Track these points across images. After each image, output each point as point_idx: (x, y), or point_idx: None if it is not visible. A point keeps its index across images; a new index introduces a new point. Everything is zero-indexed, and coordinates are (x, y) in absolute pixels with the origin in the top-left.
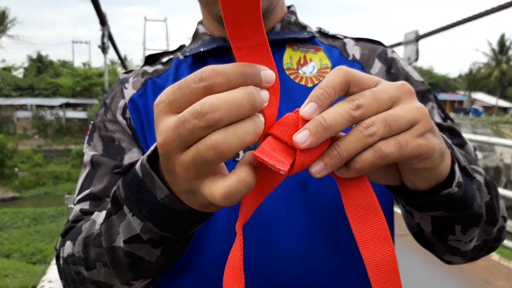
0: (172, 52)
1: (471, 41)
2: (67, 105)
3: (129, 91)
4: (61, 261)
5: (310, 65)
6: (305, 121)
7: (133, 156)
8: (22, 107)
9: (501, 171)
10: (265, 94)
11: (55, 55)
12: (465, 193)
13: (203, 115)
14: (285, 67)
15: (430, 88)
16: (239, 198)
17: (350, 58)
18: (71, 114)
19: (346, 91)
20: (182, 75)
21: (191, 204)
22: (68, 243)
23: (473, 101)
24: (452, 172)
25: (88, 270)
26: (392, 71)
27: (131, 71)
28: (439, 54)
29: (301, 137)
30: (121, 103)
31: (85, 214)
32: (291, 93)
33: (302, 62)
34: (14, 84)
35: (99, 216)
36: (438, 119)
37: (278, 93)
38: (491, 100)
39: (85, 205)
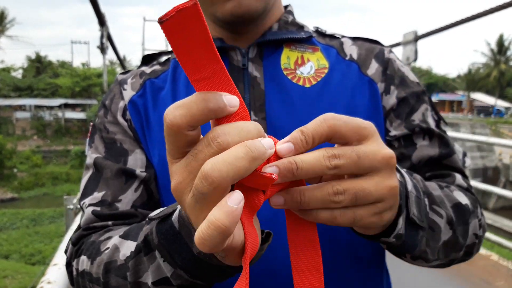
0: (170, 52)
1: (470, 42)
2: (66, 106)
3: (128, 92)
4: (75, 272)
5: (308, 65)
6: (278, 156)
7: (137, 157)
8: (21, 108)
9: (500, 171)
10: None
11: (54, 55)
12: (404, 242)
13: (214, 140)
14: (282, 67)
15: (426, 90)
16: (216, 244)
17: (347, 57)
18: (70, 114)
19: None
20: (180, 75)
21: (223, 259)
22: (85, 259)
23: (471, 101)
24: (395, 223)
25: None
26: (388, 72)
27: (129, 72)
28: (438, 54)
29: (270, 171)
30: (121, 104)
31: (98, 217)
32: (288, 94)
33: (299, 62)
34: (13, 85)
35: (124, 245)
36: (431, 121)
37: (248, 119)
38: (490, 100)
39: (97, 208)
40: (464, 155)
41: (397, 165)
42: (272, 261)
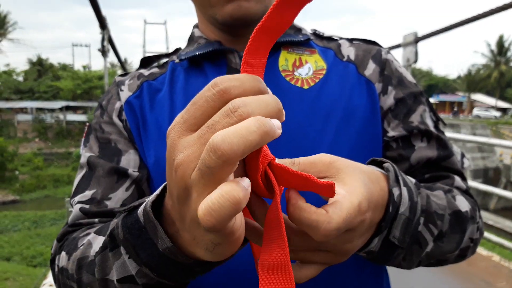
0: (168, 55)
1: (470, 43)
2: (68, 108)
3: (125, 93)
4: (56, 269)
5: (306, 67)
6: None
7: (130, 157)
8: (23, 110)
9: (500, 172)
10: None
11: (55, 58)
12: (374, 258)
13: (234, 111)
14: (280, 69)
15: (423, 91)
16: (224, 217)
17: (345, 59)
18: (72, 117)
19: None
20: (178, 77)
21: (195, 251)
22: (64, 255)
23: (472, 102)
24: (370, 241)
25: None
26: (386, 72)
27: (127, 74)
28: (438, 56)
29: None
30: (117, 105)
31: (85, 214)
32: (286, 95)
33: (297, 64)
34: (14, 87)
35: (96, 241)
36: (429, 122)
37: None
38: (490, 101)
39: (86, 206)
40: (463, 156)
41: (401, 178)
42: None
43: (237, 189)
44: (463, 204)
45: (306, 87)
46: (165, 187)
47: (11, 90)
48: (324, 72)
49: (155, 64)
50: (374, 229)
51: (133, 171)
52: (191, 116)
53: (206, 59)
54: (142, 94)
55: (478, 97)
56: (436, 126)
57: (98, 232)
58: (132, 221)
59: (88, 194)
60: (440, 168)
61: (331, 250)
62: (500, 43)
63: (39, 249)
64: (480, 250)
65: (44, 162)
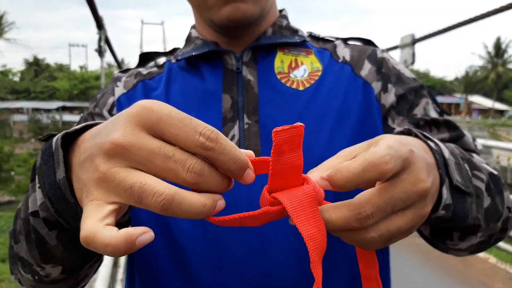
0: (166, 54)
1: (468, 44)
2: (64, 109)
3: (120, 90)
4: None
5: (301, 69)
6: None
7: None
8: (19, 111)
9: None
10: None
11: (52, 58)
12: (454, 212)
13: (206, 137)
14: (276, 71)
15: (423, 84)
16: (97, 247)
17: (341, 60)
18: (68, 117)
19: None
20: (174, 77)
21: (78, 197)
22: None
23: (469, 104)
24: (440, 195)
25: (15, 244)
26: (383, 70)
27: (127, 70)
28: (436, 57)
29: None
30: (110, 100)
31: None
32: (282, 97)
33: (293, 65)
34: (10, 88)
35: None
36: (434, 114)
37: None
38: (487, 102)
39: None
40: (474, 139)
41: (427, 135)
42: (268, 263)
43: (110, 236)
44: (490, 168)
45: (301, 88)
46: (88, 125)
47: (7, 90)
48: (319, 73)
49: (154, 63)
50: (437, 175)
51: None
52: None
53: (203, 60)
54: (135, 93)
55: (476, 98)
56: (441, 116)
57: None
58: (47, 146)
59: None
60: None
61: (409, 203)
62: (497, 44)
63: None
64: None
65: None
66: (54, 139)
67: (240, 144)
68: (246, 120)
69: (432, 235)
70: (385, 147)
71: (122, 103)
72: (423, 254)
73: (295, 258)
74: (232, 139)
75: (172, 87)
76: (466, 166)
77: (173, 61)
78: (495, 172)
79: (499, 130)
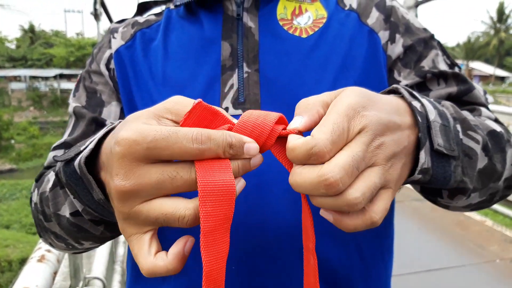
0: (165, 2)
1: (470, 10)
2: (61, 76)
3: (117, 42)
4: (33, 206)
5: (305, 16)
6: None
7: (111, 109)
8: (16, 79)
9: None
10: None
11: (48, 26)
12: (433, 176)
13: (198, 141)
14: (278, 17)
15: (433, 35)
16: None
17: (347, 7)
18: (66, 85)
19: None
20: (173, 26)
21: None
22: (36, 192)
23: (470, 70)
24: (417, 158)
25: (46, 222)
26: (392, 19)
27: (124, 20)
28: (437, 23)
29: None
30: (107, 53)
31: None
32: (283, 45)
33: (297, 12)
34: (7, 55)
35: (52, 178)
36: (443, 66)
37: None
38: (488, 69)
39: (59, 153)
40: (485, 92)
41: (417, 94)
42: (266, 206)
43: (164, 264)
44: (494, 125)
45: (304, 36)
46: (99, 141)
47: (4, 58)
48: (324, 21)
49: (152, 12)
50: (415, 142)
51: (111, 122)
52: (158, 148)
53: (202, 7)
54: (134, 43)
55: (477, 65)
56: (451, 69)
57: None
58: (70, 171)
59: (63, 139)
60: (463, 103)
61: (387, 179)
62: (500, 10)
63: None
64: (474, 215)
65: (39, 131)
66: (76, 165)
67: (239, 94)
68: (245, 68)
69: (423, 192)
70: (329, 130)
71: (122, 56)
72: (421, 218)
73: (293, 199)
74: (231, 88)
75: (170, 37)
76: (458, 127)
77: (172, 7)
78: (499, 129)
79: (500, 97)
